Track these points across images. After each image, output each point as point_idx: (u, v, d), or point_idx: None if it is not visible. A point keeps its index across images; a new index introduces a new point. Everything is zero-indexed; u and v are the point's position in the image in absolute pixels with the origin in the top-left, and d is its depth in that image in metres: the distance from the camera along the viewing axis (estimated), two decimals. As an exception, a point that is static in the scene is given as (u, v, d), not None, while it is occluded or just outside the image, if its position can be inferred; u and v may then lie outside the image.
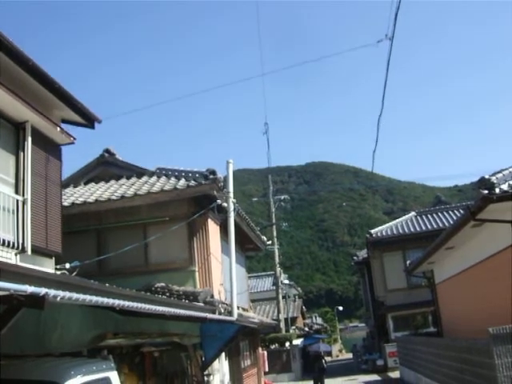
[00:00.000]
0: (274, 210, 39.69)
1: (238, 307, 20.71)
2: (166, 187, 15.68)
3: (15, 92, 9.67)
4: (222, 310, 13.44)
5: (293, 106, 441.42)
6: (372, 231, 36.08)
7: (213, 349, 12.68)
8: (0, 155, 9.99)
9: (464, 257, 18.91)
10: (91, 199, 16.06)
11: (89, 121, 12.83)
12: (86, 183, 18.28)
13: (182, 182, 15.92)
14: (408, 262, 27.40)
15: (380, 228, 36.93)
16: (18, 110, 10.02)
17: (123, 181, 17.64)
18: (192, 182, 15.61)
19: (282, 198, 41.83)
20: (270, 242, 26.02)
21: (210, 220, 16.12)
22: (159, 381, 13.28)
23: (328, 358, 67.46)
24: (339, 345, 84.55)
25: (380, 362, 35.88)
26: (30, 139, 10.54)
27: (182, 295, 13.98)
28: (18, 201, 10.14)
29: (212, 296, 13.74)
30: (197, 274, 15.54)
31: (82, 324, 7.34)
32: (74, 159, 20.02)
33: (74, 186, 18.06)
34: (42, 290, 4.28)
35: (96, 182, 18.12)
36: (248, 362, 21.90)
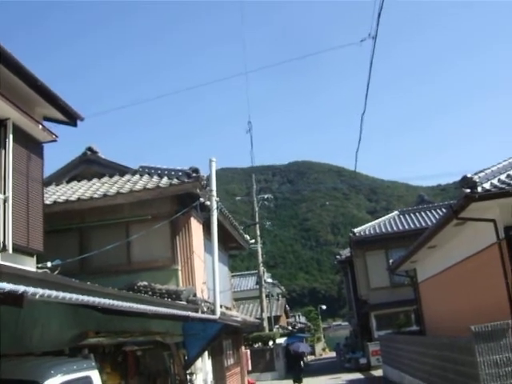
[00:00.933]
0: (257, 208, 39.67)
1: (221, 306, 20.65)
2: (149, 185, 15.59)
3: (-4, 89, 9.55)
4: (205, 309, 13.36)
5: (277, 104, 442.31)
6: (355, 230, 36.14)
7: (195, 347, 12.63)
8: (-19, 153, 9.86)
9: (446, 255, 19.00)
10: (73, 197, 15.92)
11: (71, 118, 12.66)
12: (68, 181, 18.11)
13: (165, 180, 15.83)
14: (391, 261, 27.52)
15: (363, 227, 37.01)
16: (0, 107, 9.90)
17: (106, 179, 17.51)
18: (175, 181, 15.52)
19: (266, 197, 41.84)
20: (253, 241, 25.97)
21: (192, 218, 16.05)
22: (142, 380, 13.20)
23: (311, 357, 67.88)
24: (322, 343, 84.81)
25: (363, 361, 35.97)
26: (11, 137, 10.39)
27: (165, 294, 13.90)
28: (-2, 199, 10.01)
29: (195, 295, 13.68)
30: (180, 272, 15.46)
31: (62, 323, 7.27)
32: (60, 157, 19.85)
33: (57, 185, 17.89)
34: (21, 288, 4.22)
35: (78, 181, 17.97)
36: (231, 361, 21.86)
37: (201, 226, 16.61)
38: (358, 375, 32.91)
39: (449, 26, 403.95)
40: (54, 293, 4.93)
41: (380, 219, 38.76)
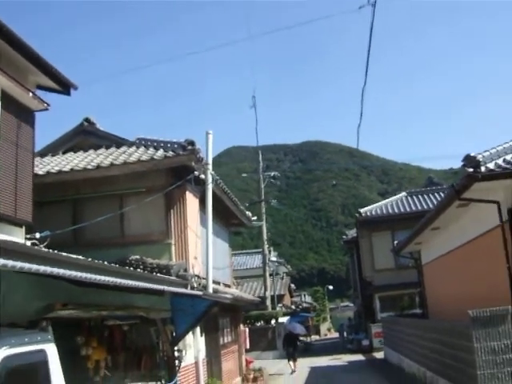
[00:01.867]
0: (263, 186, 39.21)
1: (220, 283, 20.35)
2: (144, 157, 15.15)
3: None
4: (195, 285, 13.00)
5: (293, 86, 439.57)
6: (362, 210, 35.68)
7: (184, 324, 12.23)
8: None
9: (450, 238, 18.51)
10: (66, 168, 15.52)
11: (64, 87, 12.31)
12: (64, 152, 17.69)
13: (160, 152, 15.37)
14: (395, 242, 27.04)
15: (370, 207, 36.52)
16: (-11, 74, 9.52)
17: (102, 151, 17.08)
18: (170, 153, 15.07)
19: (272, 174, 41.34)
20: (255, 218, 25.51)
21: (188, 192, 15.61)
22: (128, 355, 12.88)
23: (316, 337, 67.80)
24: (328, 324, 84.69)
25: (366, 342, 35.70)
26: None
27: (156, 268, 13.56)
28: (-15, 167, 9.66)
29: (186, 269, 13.29)
30: (173, 247, 15.06)
31: (27, 294, 6.88)
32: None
33: (52, 155, 17.49)
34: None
35: (74, 152, 17.56)
36: (228, 339, 21.53)
37: (197, 201, 16.16)
38: (359, 357, 32.66)
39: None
40: (10, 262, 4.56)
41: (387, 200, 38.27)
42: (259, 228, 41.15)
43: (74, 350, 12.11)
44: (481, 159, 12.41)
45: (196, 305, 12.14)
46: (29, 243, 10.88)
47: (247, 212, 24.14)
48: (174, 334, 12.44)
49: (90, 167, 15.30)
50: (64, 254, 6.13)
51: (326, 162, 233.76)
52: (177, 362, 12.56)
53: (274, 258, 44.02)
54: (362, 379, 21.73)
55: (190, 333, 14.43)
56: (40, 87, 12.12)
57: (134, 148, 16.65)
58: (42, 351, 5.73)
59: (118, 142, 17.46)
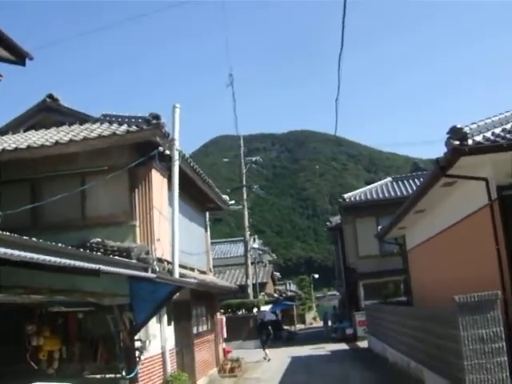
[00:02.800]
0: (244, 171, 38.13)
1: (194, 269, 19.30)
2: (105, 133, 14.02)
3: None
4: (158, 269, 11.91)
5: (279, 76, 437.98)
6: (345, 195, 34.74)
7: (144, 311, 11.18)
8: None
9: (435, 221, 17.57)
10: (23, 146, 14.38)
11: (19, 57, 11.39)
12: (25, 131, 16.56)
13: (124, 127, 14.25)
14: (379, 228, 26.10)
15: (354, 192, 35.62)
16: None
17: (64, 128, 15.94)
18: (133, 128, 13.95)
19: (254, 159, 40.27)
20: (232, 202, 24.46)
21: (154, 171, 14.50)
22: (84, 346, 11.85)
23: (301, 326, 67.04)
24: (314, 312, 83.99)
25: (349, 331, 34.88)
26: None
27: (116, 251, 12.49)
28: None
29: (147, 252, 12.19)
30: (137, 229, 13.96)
31: None
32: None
33: (13, 134, 16.36)
34: None
35: (36, 130, 16.42)
36: (203, 328, 20.49)
37: (165, 180, 15.02)
38: (343, 346, 31.82)
39: None
40: None
41: (371, 185, 37.32)
42: (251, 220, 40.29)
43: (23, 340, 11.08)
44: (468, 131, 11.37)
45: (157, 290, 11.12)
46: None
47: (224, 196, 23.09)
48: (134, 323, 11.40)
49: (47, 144, 14.19)
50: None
51: (312, 152, 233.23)
52: (137, 352, 11.53)
53: (255, 245, 42.99)
54: (343, 370, 20.77)
55: (156, 321, 13.40)
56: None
57: (98, 124, 15.51)
58: None
59: (83, 119, 16.32)
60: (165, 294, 11.19)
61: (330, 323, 44.81)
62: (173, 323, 15.51)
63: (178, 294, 15.62)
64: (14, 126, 16.86)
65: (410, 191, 32.83)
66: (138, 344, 11.78)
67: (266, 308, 39.88)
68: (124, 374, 11.32)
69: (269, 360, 26.30)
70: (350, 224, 34.72)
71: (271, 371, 22.17)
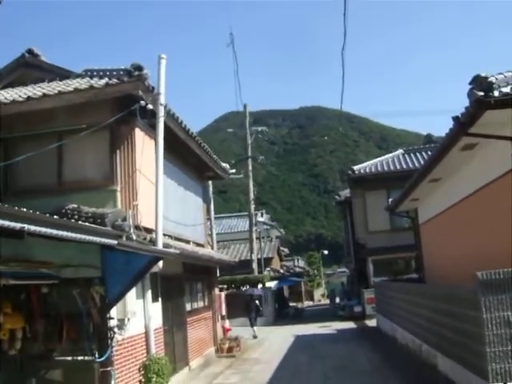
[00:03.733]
0: (250, 141, 36.49)
1: (189, 241, 17.87)
2: (82, 86, 12.48)
3: None
4: (135, 237, 10.45)
5: (291, 52, 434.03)
6: (355, 167, 33.05)
7: (117, 285, 9.70)
8: None
9: (451, 191, 15.97)
10: (-7, 102, 12.89)
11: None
12: (1, 88, 15.06)
13: (104, 81, 12.70)
14: (390, 200, 24.50)
15: (364, 164, 33.92)
16: None
17: (43, 85, 14.42)
18: (113, 80, 12.40)
19: (260, 129, 38.53)
20: (233, 171, 22.89)
21: (138, 130, 12.98)
22: (49, 324, 10.41)
23: (309, 303, 65.85)
24: (322, 289, 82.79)
25: (358, 309, 33.39)
26: None
27: (91, 217, 11.05)
28: None
29: (124, 219, 10.73)
30: (119, 194, 12.49)
31: None
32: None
33: (-13, 91, 14.87)
34: None
35: (14, 87, 14.91)
36: (198, 305, 19.07)
37: (152, 142, 13.46)
38: (350, 324, 30.45)
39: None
40: None
41: (382, 157, 35.58)
42: (256, 193, 38.79)
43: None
44: (494, 81, 9.73)
45: (132, 261, 9.62)
46: None
47: (224, 164, 21.56)
48: (107, 299, 9.94)
49: (19, 100, 12.68)
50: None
51: (324, 128, 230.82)
52: (111, 332, 10.08)
53: (260, 219, 41.45)
54: (348, 350, 19.36)
55: (137, 297, 11.97)
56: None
57: (78, 80, 13.96)
58: None
59: (63, 75, 14.76)
60: (141, 266, 9.70)
61: (337, 300, 43.46)
62: (160, 299, 14.08)
63: (167, 267, 14.29)
64: (-9, 84, 15.39)
65: (423, 164, 31.19)
66: (113, 323, 10.35)
67: (271, 284, 38.51)
68: (96, 356, 9.88)
69: (255, 337, 25.45)
70: (360, 197, 33.09)
71: (272, 351, 20.80)
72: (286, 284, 48.51)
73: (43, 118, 13.03)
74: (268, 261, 43.55)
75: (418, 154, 34.03)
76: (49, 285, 9.75)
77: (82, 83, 13.04)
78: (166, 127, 14.08)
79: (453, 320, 11.24)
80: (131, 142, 12.84)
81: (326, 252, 79.86)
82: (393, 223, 31.31)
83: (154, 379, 10.97)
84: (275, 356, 19.16)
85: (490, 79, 9.72)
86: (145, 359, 11.65)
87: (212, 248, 22.02)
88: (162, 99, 12.45)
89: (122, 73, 12.57)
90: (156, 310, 13.60)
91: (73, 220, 9.74)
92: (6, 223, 5.22)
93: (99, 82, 12.53)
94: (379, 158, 35.26)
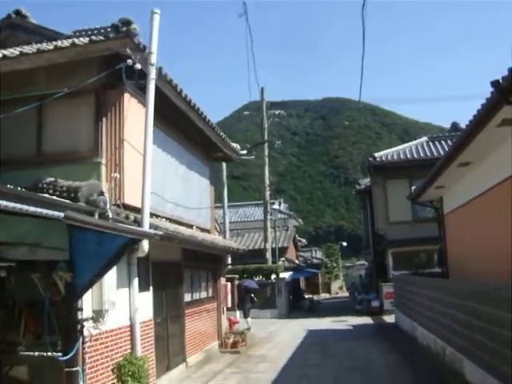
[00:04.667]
0: (266, 125, 34.84)
1: (192, 226, 16.39)
2: (63, 44, 10.93)
3: None
4: (112, 214, 8.91)
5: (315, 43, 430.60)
6: (376, 154, 31.30)
7: (87, 270, 8.16)
8: None
9: (483, 176, 14.20)
10: (-33, 62, 11.39)
11: None
12: (-15, 51, 13.59)
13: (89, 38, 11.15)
14: (413, 188, 22.75)
15: (386, 152, 32.18)
16: None
17: (29, 47, 12.91)
18: (98, 37, 10.84)
19: (277, 112, 37.05)
20: (244, 152, 21.25)
21: (128, 96, 11.43)
22: (6, 313, 8.93)
23: (326, 295, 64.19)
24: (340, 282, 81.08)
25: (375, 304, 31.72)
26: None
27: (66, 191, 9.57)
28: None
29: (102, 193, 9.20)
30: (103, 167, 10.96)
31: None
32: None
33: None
34: None
35: (-2, 50, 13.44)
36: (201, 295, 17.48)
37: (144, 109, 11.83)
38: (367, 319, 28.79)
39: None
40: None
41: (405, 144, 33.78)
42: (277, 183, 37.31)
43: None
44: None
45: (103, 243, 8.05)
46: None
47: (234, 144, 19.95)
48: (77, 287, 8.42)
49: (-5, 60, 11.16)
50: None
51: (346, 119, 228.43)
52: (79, 325, 8.56)
53: (276, 206, 39.83)
54: (364, 350, 17.71)
55: (119, 285, 10.43)
56: None
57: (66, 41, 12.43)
58: None
59: (52, 37, 13.23)
60: (114, 248, 8.13)
61: (356, 294, 41.81)
62: (151, 288, 12.56)
63: (162, 253, 12.85)
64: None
65: (451, 145, 29.26)
66: (85, 314, 8.85)
67: (285, 274, 36.89)
68: (62, 353, 8.37)
69: (248, 329, 23.58)
70: (380, 186, 31.35)
71: (280, 347, 19.20)
72: (302, 275, 46.89)
73: (21, 80, 11.54)
74: (283, 250, 41.98)
75: (443, 142, 32.18)
76: (5, 268, 8.29)
77: (65, 42, 11.50)
78: (163, 95, 12.59)
79: (483, 321, 9.62)
80: (120, 109, 11.30)
81: (344, 244, 78.06)
82: (415, 214, 29.73)
83: (129, 383, 9.41)
84: (283, 353, 17.55)
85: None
86: (128, 357, 10.07)
87: (224, 235, 20.48)
88: (154, 59, 10.86)
89: (109, 29, 11.01)
90: (145, 300, 12.08)
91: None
92: None
93: (82, 40, 10.97)
94: (402, 146, 33.54)
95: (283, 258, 41.05)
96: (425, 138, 33.97)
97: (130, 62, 10.38)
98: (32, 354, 8.80)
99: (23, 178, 9.91)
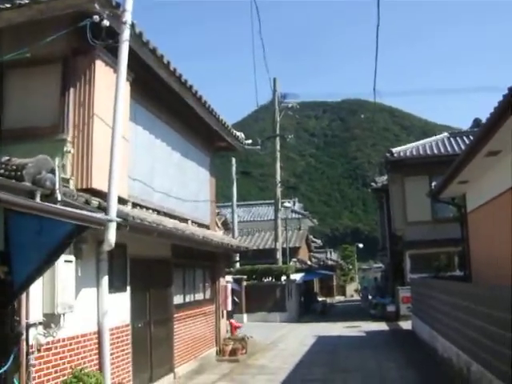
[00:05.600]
0: (279, 118, 33.17)
1: (188, 220, 14.76)
2: (22, 1, 9.28)
3: None
4: (60, 197, 7.24)
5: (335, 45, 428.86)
6: (393, 150, 29.48)
7: (27, 264, 6.55)
8: None
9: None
10: None
11: None
12: None
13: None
14: (433, 185, 20.91)
15: (404, 147, 30.41)
16: None
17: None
18: (64, -8, 9.20)
19: (290, 105, 35.03)
20: (249, 142, 19.51)
21: (101, 63, 9.77)
22: None
23: (340, 298, 62.44)
24: (356, 284, 79.29)
25: (391, 308, 29.83)
26: None
27: (13, 171, 7.91)
28: None
29: (52, 170, 7.54)
30: (69, 145, 9.32)
31: None
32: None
33: None
34: None
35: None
36: (196, 297, 15.77)
37: (121, 80, 10.13)
38: (382, 325, 26.98)
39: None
40: None
41: (425, 140, 31.90)
42: (294, 184, 35.79)
43: None
44: None
45: (44, 231, 6.43)
46: None
47: (238, 133, 18.28)
48: (15, 285, 6.80)
49: None
50: None
51: (365, 121, 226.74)
52: (14, 332, 6.91)
53: (288, 204, 38.14)
54: (377, 362, 15.81)
55: (83, 284, 8.78)
56: None
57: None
58: None
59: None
60: (58, 237, 6.50)
61: (370, 298, 39.97)
62: (129, 289, 10.89)
63: (144, 248, 11.22)
64: None
65: (477, 131, 27.36)
66: (33, 319, 7.22)
67: (296, 276, 35.12)
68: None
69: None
70: (398, 184, 29.49)
71: (284, 356, 17.45)
72: (315, 277, 45.00)
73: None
74: (294, 251, 40.29)
75: (464, 138, 30.28)
76: None
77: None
78: (147, 67, 10.99)
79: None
80: (90, 79, 9.64)
81: (361, 245, 76.26)
82: (435, 213, 27.93)
83: (77, 405, 7.74)
84: (286, 364, 15.75)
85: None
86: (81, 371, 8.36)
87: (232, 233, 18.78)
88: (129, 18, 9.19)
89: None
90: (120, 302, 10.43)
91: None
92: None
93: (48, -4, 9.32)
94: (421, 141, 31.66)
95: (295, 259, 39.36)
96: (445, 134, 32.15)
97: (96, 17, 8.71)
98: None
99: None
